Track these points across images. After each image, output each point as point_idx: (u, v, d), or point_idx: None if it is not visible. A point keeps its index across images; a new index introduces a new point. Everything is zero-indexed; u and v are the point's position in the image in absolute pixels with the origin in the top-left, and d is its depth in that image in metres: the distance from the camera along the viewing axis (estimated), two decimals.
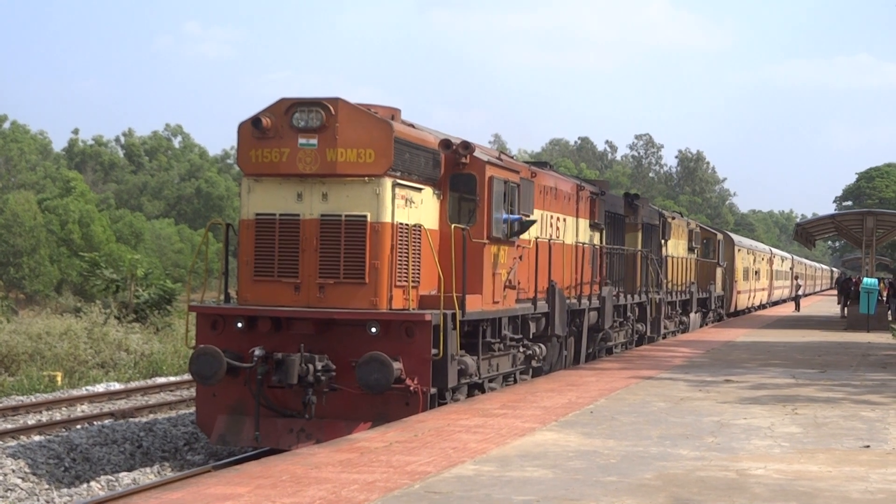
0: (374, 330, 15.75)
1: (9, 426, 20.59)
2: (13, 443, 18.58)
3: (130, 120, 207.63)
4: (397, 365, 15.40)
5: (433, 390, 16.16)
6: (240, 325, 16.29)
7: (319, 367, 15.66)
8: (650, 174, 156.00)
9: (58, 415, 22.55)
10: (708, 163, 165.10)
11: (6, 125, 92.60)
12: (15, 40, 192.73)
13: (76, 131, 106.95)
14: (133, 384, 28.87)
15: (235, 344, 16.11)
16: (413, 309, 16.43)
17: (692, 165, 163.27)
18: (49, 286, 55.78)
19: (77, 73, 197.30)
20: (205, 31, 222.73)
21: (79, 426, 20.56)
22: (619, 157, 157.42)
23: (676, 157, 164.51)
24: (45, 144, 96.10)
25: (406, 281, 16.55)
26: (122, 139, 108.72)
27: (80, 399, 25.11)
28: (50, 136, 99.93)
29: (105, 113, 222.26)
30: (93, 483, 16.36)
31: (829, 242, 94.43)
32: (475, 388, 18.04)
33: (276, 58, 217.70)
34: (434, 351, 16.04)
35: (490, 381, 18.66)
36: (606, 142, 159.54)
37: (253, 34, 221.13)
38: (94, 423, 21.01)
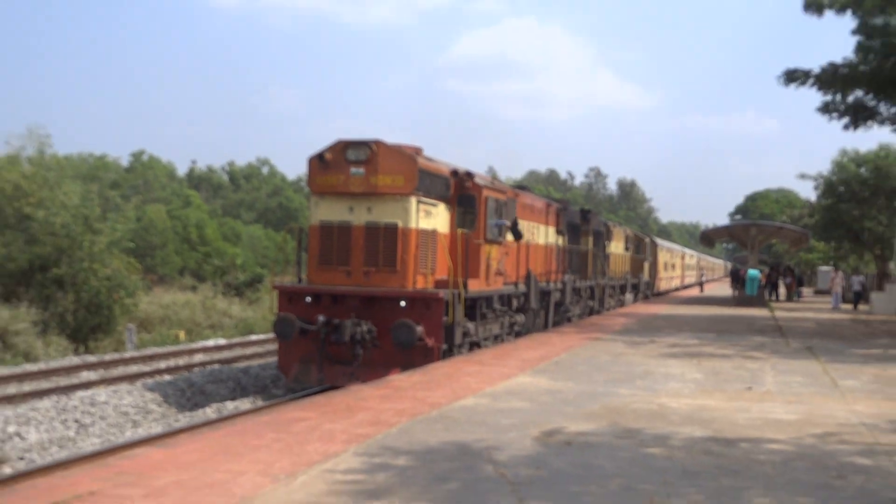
0: (403, 304, 15.89)
1: (147, 369, 20.70)
2: (150, 380, 18.71)
3: (233, 154, 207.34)
4: (419, 328, 15.53)
5: (444, 346, 16.27)
6: (308, 299, 16.40)
7: (365, 330, 15.80)
8: (598, 196, 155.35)
9: (181, 361, 22.64)
10: (639, 188, 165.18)
11: (145, 157, 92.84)
12: (151, 94, 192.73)
13: (194, 161, 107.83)
14: (234, 340, 28.96)
15: (305, 312, 16.19)
16: (430, 289, 16.48)
17: (628, 189, 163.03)
18: (174, 270, 55.80)
19: (196, 120, 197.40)
20: (282, 91, 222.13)
21: (196, 369, 20.70)
22: (577, 184, 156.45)
23: (617, 183, 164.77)
24: (172, 171, 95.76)
25: (426, 269, 16.63)
26: (227, 167, 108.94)
27: (197, 350, 25.19)
28: (176, 165, 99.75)
29: (215, 149, 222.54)
30: (207, 409, 16.45)
31: (724, 244, 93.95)
32: (474, 345, 18.07)
33: (334, 111, 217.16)
34: (445, 318, 16.18)
35: (485, 340, 18.70)
36: (567, 172, 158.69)
37: (316, 94, 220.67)
38: (207, 367, 21.15)
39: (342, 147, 16.36)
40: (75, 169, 45.18)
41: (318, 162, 16.47)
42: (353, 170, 16.20)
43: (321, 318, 15.97)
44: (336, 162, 16.32)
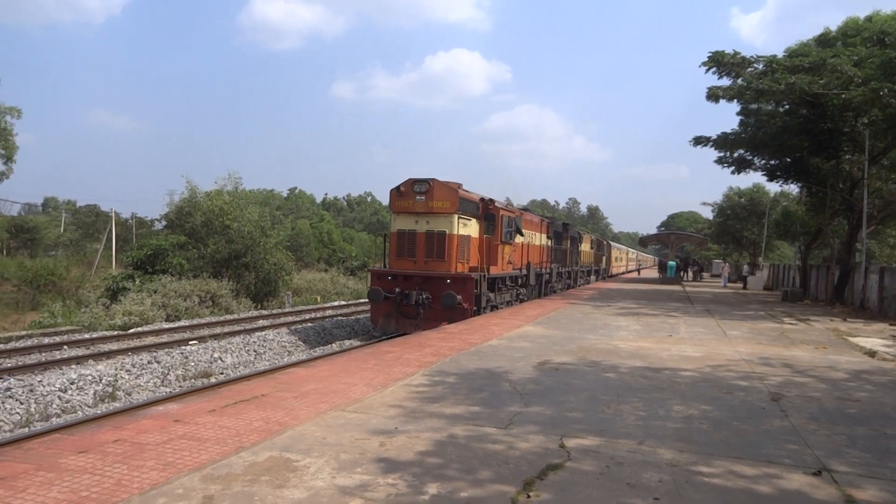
0: (448, 281, 15.83)
1: (297, 319, 20.87)
2: (299, 326, 18.87)
3: (349, 188, 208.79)
4: (459, 297, 15.49)
5: (475, 308, 16.15)
6: (390, 277, 16.39)
7: (424, 297, 15.83)
8: (575, 215, 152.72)
9: (318, 315, 22.87)
10: (601, 210, 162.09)
11: (297, 191, 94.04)
12: (300, 152, 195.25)
13: (326, 193, 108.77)
14: (350, 302, 29.19)
15: (387, 286, 16.24)
16: (466, 272, 16.37)
17: (594, 211, 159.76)
18: (314, 259, 56.17)
19: (328, 167, 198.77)
20: (380, 150, 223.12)
21: (327, 320, 20.83)
22: (561, 207, 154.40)
23: (587, 207, 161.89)
24: (313, 199, 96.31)
25: (463, 260, 16.58)
26: (346, 197, 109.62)
27: (327, 308, 25.43)
28: (315, 196, 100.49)
29: (339, 185, 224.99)
30: (333, 344, 16.61)
31: (654, 246, 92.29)
32: (494, 307, 17.92)
33: (411, 161, 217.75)
34: (476, 291, 16.08)
35: (501, 304, 18.56)
36: (555, 201, 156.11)
37: (400, 151, 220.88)
38: (333, 318, 21.31)
39: (411, 183, 16.36)
40: (255, 198, 45.84)
41: (396, 192, 16.49)
42: (418, 197, 16.21)
43: (397, 289, 16.02)
44: (407, 192, 16.34)
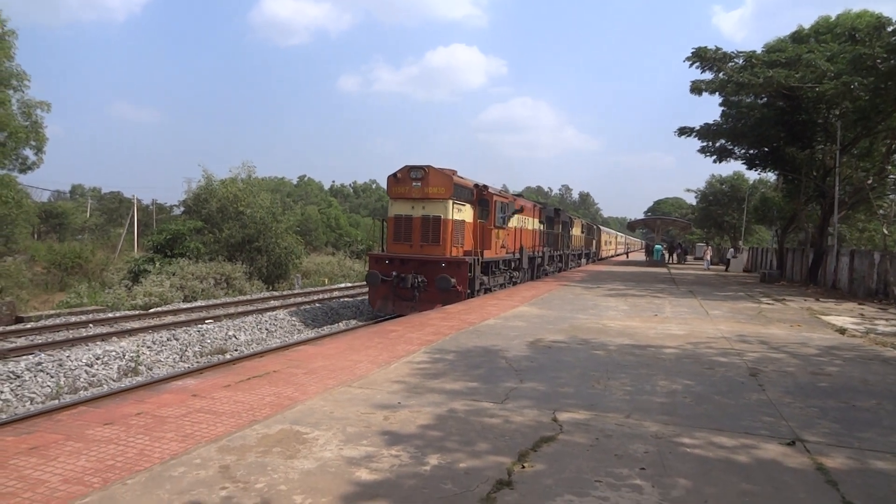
0: (443, 265, 15.62)
1: (306, 300, 20.87)
2: (308, 306, 18.88)
3: (355, 176, 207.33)
4: (453, 280, 15.29)
5: (469, 291, 15.93)
6: (387, 261, 16.15)
7: (420, 280, 15.60)
8: (567, 201, 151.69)
9: (326, 296, 22.86)
10: (592, 196, 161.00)
11: (306, 178, 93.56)
12: (309, 141, 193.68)
13: (333, 181, 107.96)
14: (355, 284, 29.16)
15: (385, 269, 16.03)
16: (460, 256, 16.14)
17: (585, 197, 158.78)
18: (322, 243, 55.88)
19: (335, 156, 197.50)
20: (383, 140, 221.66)
21: (334, 300, 20.83)
22: (554, 193, 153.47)
23: (578, 194, 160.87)
24: (321, 186, 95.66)
25: (458, 244, 16.31)
26: (352, 184, 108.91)
27: (334, 289, 25.40)
28: (323, 183, 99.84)
29: (346, 173, 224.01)
30: (340, 323, 16.59)
31: (641, 230, 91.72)
32: (487, 290, 17.70)
33: (412, 151, 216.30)
34: (469, 274, 15.89)
35: (494, 287, 18.44)
36: (548, 188, 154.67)
37: (402, 141, 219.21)
38: (340, 299, 21.29)
39: (408, 169, 16.06)
40: (267, 185, 45.40)
41: (394, 178, 16.16)
42: (414, 183, 15.89)
43: (394, 273, 15.83)
44: (404, 178, 16.02)
